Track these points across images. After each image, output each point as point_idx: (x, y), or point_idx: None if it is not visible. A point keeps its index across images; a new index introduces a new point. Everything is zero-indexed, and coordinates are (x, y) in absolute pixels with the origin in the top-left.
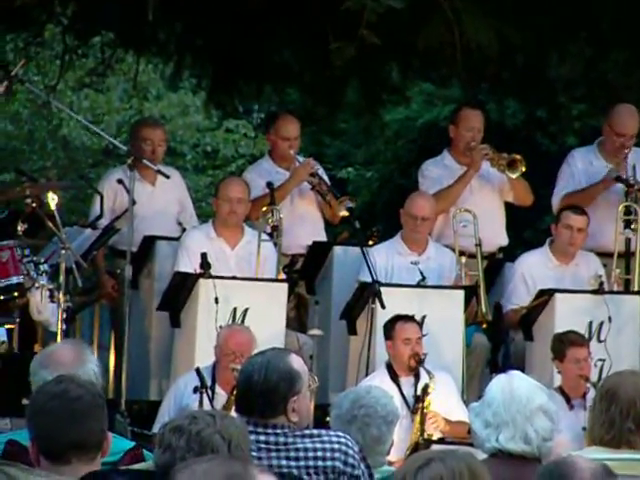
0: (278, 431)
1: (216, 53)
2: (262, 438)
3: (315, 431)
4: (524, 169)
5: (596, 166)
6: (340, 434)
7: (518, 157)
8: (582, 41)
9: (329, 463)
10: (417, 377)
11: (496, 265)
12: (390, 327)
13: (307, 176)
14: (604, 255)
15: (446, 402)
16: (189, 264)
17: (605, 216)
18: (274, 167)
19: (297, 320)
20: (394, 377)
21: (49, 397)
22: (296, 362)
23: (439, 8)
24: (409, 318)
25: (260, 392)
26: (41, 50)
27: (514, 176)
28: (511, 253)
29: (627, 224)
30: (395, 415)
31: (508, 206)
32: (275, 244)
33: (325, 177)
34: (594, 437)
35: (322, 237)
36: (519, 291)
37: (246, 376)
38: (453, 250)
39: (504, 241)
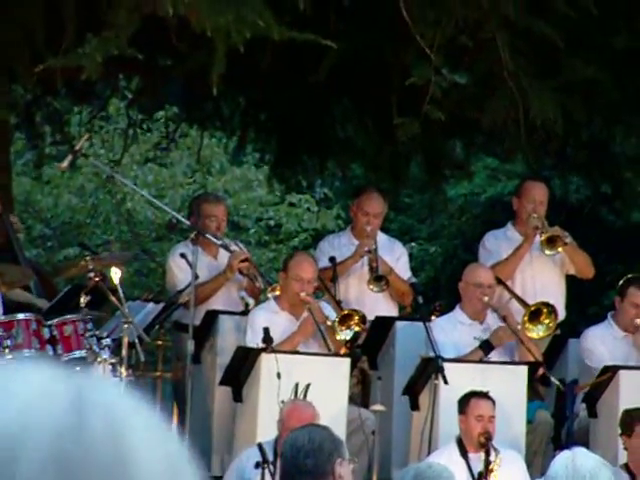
0: None
1: (279, 128)
2: None
3: None
4: (560, 250)
5: None
6: None
7: (558, 234)
8: None
9: None
10: (487, 454)
11: (558, 341)
12: (465, 402)
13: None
14: None
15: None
16: (257, 341)
17: None
18: (352, 240)
19: (360, 395)
20: (463, 452)
21: None
22: (335, 432)
23: (503, 84)
24: (484, 395)
25: (306, 452)
26: (105, 124)
27: (549, 253)
28: (575, 330)
29: None
30: None
31: (573, 282)
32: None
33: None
34: None
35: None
36: (603, 354)
37: (291, 442)
38: None
39: (562, 315)
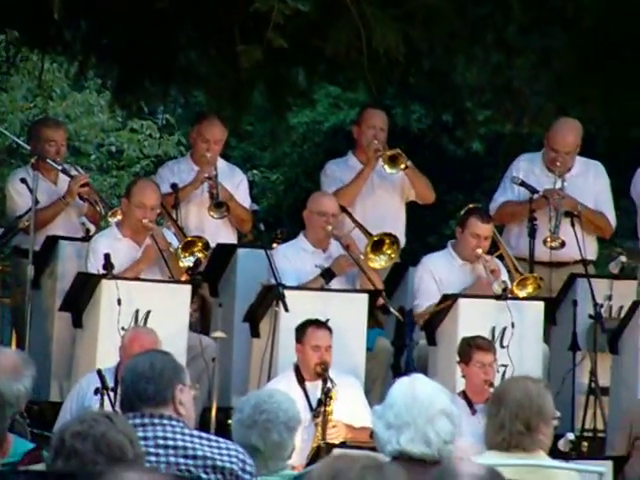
0: (174, 423)
1: (122, 53)
2: (160, 434)
3: (212, 436)
4: (404, 165)
5: (537, 175)
6: (238, 446)
7: (400, 152)
8: (489, 46)
9: (227, 465)
10: (324, 382)
11: (398, 269)
12: (301, 331)
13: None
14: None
15: (352, 407)
16: (98, 267)
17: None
18: (192, 166)
19: (200, 322)
20: (300, 381)
21: None
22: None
23: (347, 12)
24: (322, 324)
25: (147, 378)
26: None
27: (391, 171)
28: (415, 258)
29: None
30: (297, 420)
31: (414, 210)
32: (176, 236)
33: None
34: (488, 441)
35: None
36: (431, 289)
37: (132, 368)
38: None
39: (402, 242)
